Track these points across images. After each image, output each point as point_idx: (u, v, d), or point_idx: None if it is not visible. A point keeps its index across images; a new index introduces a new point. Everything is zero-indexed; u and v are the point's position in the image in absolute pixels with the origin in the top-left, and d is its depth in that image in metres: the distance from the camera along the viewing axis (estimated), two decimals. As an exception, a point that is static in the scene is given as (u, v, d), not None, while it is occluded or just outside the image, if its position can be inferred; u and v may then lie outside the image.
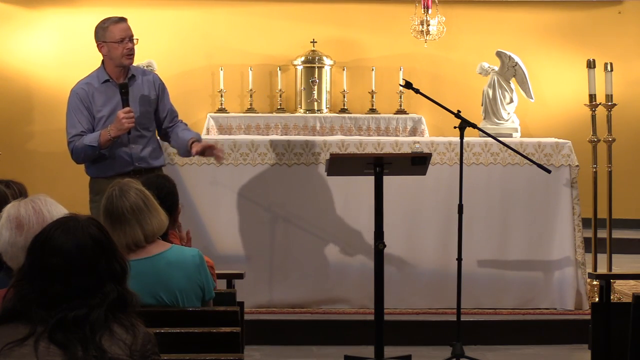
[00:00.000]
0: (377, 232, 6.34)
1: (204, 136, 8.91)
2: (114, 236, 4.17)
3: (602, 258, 7.97)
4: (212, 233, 6.97)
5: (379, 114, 11.50)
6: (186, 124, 6.54)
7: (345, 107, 11.58)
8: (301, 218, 7.55)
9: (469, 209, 6.97)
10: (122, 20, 6.33)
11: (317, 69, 11.47)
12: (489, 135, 7.02)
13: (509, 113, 11.37)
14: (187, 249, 4.40)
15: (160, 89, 6.44)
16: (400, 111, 11.55)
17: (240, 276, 5.91)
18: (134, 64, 6.42)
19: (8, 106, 11.42)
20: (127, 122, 6.09)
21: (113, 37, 6.24)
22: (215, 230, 7.40)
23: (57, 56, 11.50)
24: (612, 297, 5.70)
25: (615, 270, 8.27)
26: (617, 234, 9.18)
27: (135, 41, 6.29)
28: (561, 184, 7.64)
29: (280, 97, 11.49)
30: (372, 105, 11.60)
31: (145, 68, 6.49)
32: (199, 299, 4.30)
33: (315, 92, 11.40)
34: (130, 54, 6.26)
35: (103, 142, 6.16)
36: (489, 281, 7.58)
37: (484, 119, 11.32)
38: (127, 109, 6.12)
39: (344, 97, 11.60)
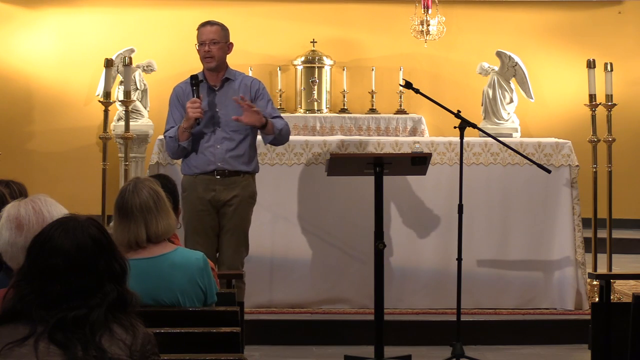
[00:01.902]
0: (377, 232, 6.35)
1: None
2: (119, 231, 4.19)
3: (602, 258, 7.96)
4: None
5: (379, 114, 11.50)
6: (284, 122, 6.55)
7: (345, 107, 11.59)
8: (301, 218, 7.55)
9: (469, 209, 6.98)
10: (208, 24, 6.58)
11: (317, 69, 11.48)
12: (489, 135, 7.03)
13: (509, 113, 11.39)
14: (192, 251, 4.39)
15: (258, 93, 6.53)
16: (400, 111, 11.56)
17: (240, 276, 5.91)
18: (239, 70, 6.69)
19: (8, 106, 11.43)
20: (192, 112, 6.28)
21: (198, 39, 6.53)
22: (215, 230, 7.40)
23: (57, 56, 11.51)
24: (612, 297, 5.70)
25: (615, 270, 8.27)
26: (617, 234, 9.18)
27: (213, 45, 6.44)
28: (561, 184, 7.64)
29: (280, 97, 11.50)
30: (372, 105, 11.60)
31: (240, 72, 6.68)
32: (201, 302, 4.29)
33: (315, 92, 11.41)
34: (207, 57, 6.45)
35: (179, 134, 6.36)
36: (489, 281, 7.58)
37: (484, 119, 11.33)
38: (193, 99, 6.31)
39: (344, 97, 11.61)
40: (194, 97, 6.34)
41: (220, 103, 6.44)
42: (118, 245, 4.14)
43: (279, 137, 6.49)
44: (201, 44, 6.47)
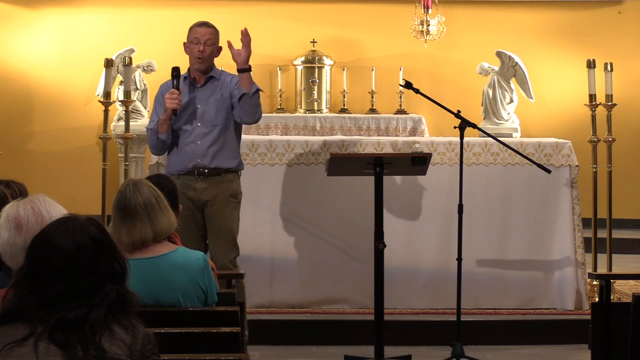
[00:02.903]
0: (377, 232, 6.34)
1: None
2: (123, 231, 4.19)
3: (602, 258, 7.96)
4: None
5: (379, 114, 11.50)
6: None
7: (345, 107, 11.59)
8: (301, 218, 7.54)
9: (469, 209, 6.97)
10: (204, 24, 6.58)
11: (317, 69, 11.48)
12: (489, 135, 7.03)
13: (509, 113, 11.38)
14: (192, 251, 4.39)
15: (237, 84, 6.45)
16: (400, 111, 11.56)
17: (240, 276, 5.91)
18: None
19: (8, 106, 11.43)
20: (169, 102, 6.29)
21: (191, 38, 6.52)
22: (215, 230, 7.39)
23: (57, 56, 11.51)
24: (612, 297, 5.70)
25: (615, 270, 8.27)
26: (617, 234, 9.18)
27: (208, 46, 6.44)
28: (561, 184, 7.64)
29: (280, 97, 11.50)
30: (372, 105, 11.60)
31: (226, 71, 6.64)
32: (201, 302, 4.29)
33: (315, 92, 11.41)
34: (199, 57, 6.45)
35: (159, 126, 6.39)
36: (489, 281, 7.58)
37: (484, 119, 11.33)
38: (172, 90, 6.32)
39: (344, 97, 11.61)
40: (173, 87, 6.34)
41: (201, 99, 6.44)
42: (121, 247, 4.17)
43: (249, 101, 6.33)
44: (196, 43, 6.46)
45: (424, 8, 11.16)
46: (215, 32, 6.54)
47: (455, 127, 6.55)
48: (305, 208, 7.55)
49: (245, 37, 6.35)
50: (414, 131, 11.26)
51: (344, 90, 11.61)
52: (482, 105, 11.36)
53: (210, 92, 6.47)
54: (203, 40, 6.45)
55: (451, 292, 6.72)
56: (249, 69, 6.38)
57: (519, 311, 7.50)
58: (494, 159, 7.68)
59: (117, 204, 4.27)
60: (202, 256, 4.35)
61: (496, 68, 11.37)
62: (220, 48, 6.57)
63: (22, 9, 11.51)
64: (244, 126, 6.69)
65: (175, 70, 6.40)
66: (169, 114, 6.32)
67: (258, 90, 6.42)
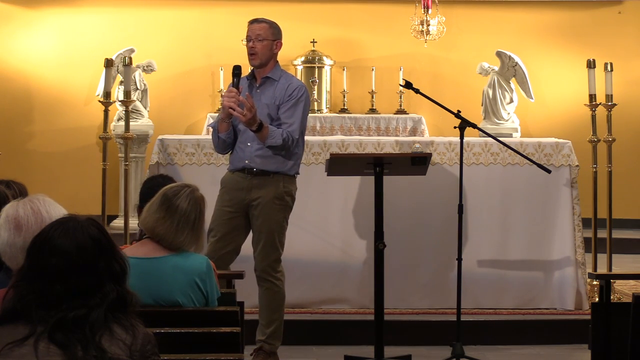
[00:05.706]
0: (377, 232, 6.34)
1: (203, 135, 8.89)
2: (150, 211, 4.25)
3: (602, 258, 7.96)
4: (212, 233, 6.94)
5: (379, 114, 11.51)
6: (279, 135, 6.23)
7: (345, 107, 11.59)
8: (301, 218, 7.53)
9: (469, 209, 6.98)
10: (254, 21, 6.54)
11: (317, 69, 11.48)
12: (489, 135, 7.03)
13: (509, 113, 11.38)
14: (196, 255, 4.38)
15: (291, 97, 6.33)
16: (400, 111, 11.56)
17: (240, 276, 5.91)
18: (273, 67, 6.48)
19: (8, 106, 11.43)
20: (226, 101, 6.17)
21: (246, 36, 6.47)
22: (215, 230, 7.38)
23: (57, 56, 11.51)
24: (612, 297, 5.69)
25: (615, 270, 8.27)
26: (617, 234, 9.18)
27: (258, 42, 6.37)
28: (561, 184, 7.64)
29: (281, 97, 11.49)
30: (372, 105, 11.60)
31: (290, 74, 6.54)
32: (201, 305, 4.29)
33: (315, 92, 11.41)
34: (251, 53, 6.39)
35: (219, 125, 6.34)
36: (489, 281, 7.58)
37: (484, 119, 11.33)
38: (230, 88, 6.22)
39: (344, 97, 11.61)
40: (232, 86, 6.24)
41: (256, 100, 6.27)
42: (141, 222, 4.23)
43: (268, 146, 6.27)
44: (248, 40, 6.40)
45: (424, 8, 11.16)
46: (266, 27, 6.44)
47: (455, 127, 6.55)
48: (305, 208, 7.54)
49: (244, 100, 6.13)
50: (414, 131, 11.26)
51: (344, 90, 11.61)
52: (482, 105, 11.36)
53: (263, 95, 6.36)
54: (253, 37, 6.39)
55: (451, 292, 6.72)
56: (258, 130, 6.16)
57: (519, 311, 7.50)
58: (494, 159, 7.68)
59: (167, 192, 4.31)
60: (204, 260, 4.35)
61: (496, 68, 11.37)
62: (280, 43, 6.45)
63: (22, 9, 11.51)
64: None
65: (237, 69, 6.27)
66: (226, 112, 6.20)
67: (269, 139, 6.20)
